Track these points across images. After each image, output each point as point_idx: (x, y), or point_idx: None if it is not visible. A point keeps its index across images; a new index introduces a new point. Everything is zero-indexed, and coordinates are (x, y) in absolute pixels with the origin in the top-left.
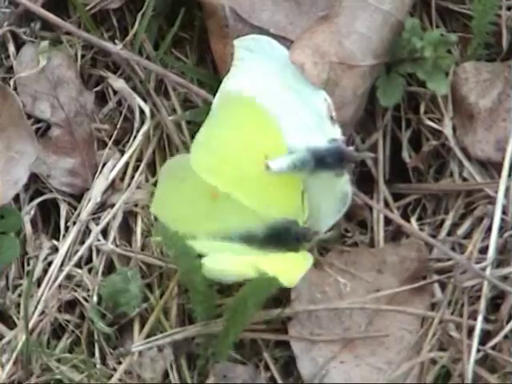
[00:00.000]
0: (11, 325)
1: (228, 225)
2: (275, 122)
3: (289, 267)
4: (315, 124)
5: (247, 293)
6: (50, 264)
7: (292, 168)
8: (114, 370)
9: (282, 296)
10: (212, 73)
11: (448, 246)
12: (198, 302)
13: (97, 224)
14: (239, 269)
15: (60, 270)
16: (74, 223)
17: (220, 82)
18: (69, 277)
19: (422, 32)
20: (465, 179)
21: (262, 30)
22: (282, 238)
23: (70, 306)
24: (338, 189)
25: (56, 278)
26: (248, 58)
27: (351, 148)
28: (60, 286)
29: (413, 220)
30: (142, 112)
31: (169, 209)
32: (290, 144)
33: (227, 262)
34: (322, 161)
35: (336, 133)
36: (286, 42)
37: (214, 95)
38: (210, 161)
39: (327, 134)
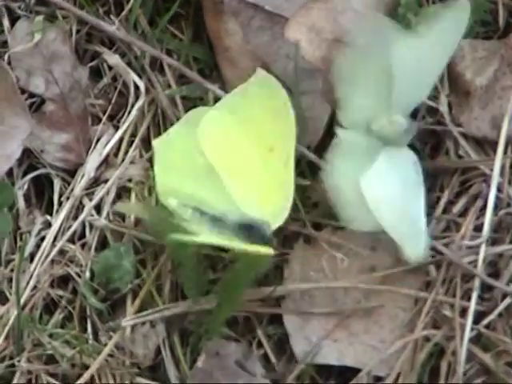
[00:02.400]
0: (3, 300)
1: (208, 198)
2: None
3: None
4: None
5: (239, 267)
6: (42, 239)
7: None
8: (106, 345)
9: (275, 275)
10: (208, 49)
11: (443, 224)
12: (188, 277)
13: (90, 199)
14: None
15: (53, 245)
16: (68, 198)
17: (214, 59)
18: (61, 252)
19: (418, 8)
20: (460, 157)
21: (257, 7)
22: (251, 234)
23: (63, 281)
24: None
25: (49, 254)
26: None
27: None
28: (52, 261)
29: None
30: (136, 87)
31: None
32: None
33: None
34: None
35: None
36: (282, 19)
37: (210, 72)
38: (217, 142)
39: None
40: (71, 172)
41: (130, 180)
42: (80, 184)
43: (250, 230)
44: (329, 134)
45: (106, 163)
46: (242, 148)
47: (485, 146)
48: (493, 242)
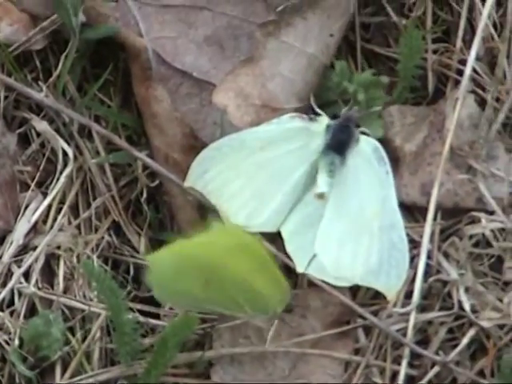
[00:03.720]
0: None
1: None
2: None
3: None
4: None
5: (167, 334)
6: None
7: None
8: None
9: (204, 340)
10: (136, 116)
11: (373, 291)
12: (122, 343)
13: (19, 266)
14: None
15: None
16: None
17: (143, 126)
18: None
19: (351, 74)
20: None
21: (185, 74)
22: None
23: None
24: None
25: None
26: None
27: None
28: None
29: None
30: (65, 154)
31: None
32: None
33: None
34: None
35: None
36: (210, 86)
37: (138, 138)
38: None
39: None
40: None
41: (58, 247)
42: (8, 251)
43: None
44: None
45: (34, 230)
46: None
47: (414, 212)
48: (423, 308)
